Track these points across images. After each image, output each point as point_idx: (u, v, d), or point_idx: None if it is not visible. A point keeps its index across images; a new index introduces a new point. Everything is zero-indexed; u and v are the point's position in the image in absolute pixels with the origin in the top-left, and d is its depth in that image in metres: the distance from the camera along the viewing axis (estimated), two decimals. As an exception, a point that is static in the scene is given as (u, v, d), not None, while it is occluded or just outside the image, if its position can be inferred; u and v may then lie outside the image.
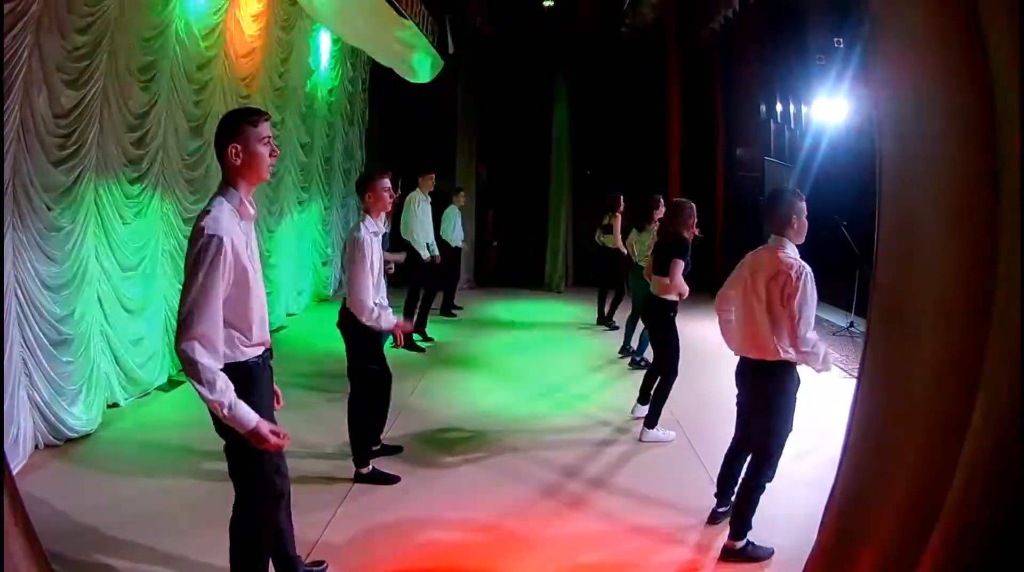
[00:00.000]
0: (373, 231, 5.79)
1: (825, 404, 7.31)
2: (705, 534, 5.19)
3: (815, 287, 4.61)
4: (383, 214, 5.98)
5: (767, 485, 4.88)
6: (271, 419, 3.54)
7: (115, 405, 7.20)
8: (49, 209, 6.20)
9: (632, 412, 7.65)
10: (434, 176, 11.08)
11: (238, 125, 3.48)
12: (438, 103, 16.68)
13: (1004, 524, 2.21)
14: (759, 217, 11.85)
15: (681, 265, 6.92)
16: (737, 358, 5.05)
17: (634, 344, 10.25)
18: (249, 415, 3.31)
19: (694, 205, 7.19)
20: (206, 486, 5.57)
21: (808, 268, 4.60)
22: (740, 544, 4.83)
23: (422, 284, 11.08)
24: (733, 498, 5.04)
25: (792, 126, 17.07)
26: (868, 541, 3.10)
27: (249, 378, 3.49)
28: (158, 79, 7.68)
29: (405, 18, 11.23)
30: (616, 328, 12.28)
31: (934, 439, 2.76)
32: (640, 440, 7.02)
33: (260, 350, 3.62)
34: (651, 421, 7.06)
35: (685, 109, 16.52)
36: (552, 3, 16.04)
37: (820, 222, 5.29)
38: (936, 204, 2.88)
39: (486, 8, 15.32)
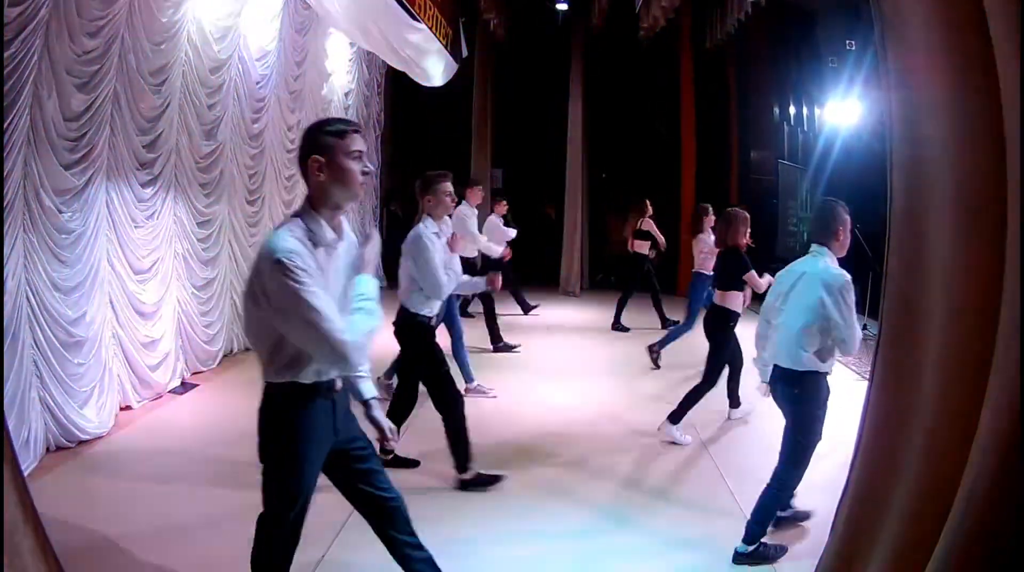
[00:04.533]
0: (434, 232, 5.79)
1: (838, 407, 7.28)
2: (719, 537, 5.16)
3: (854, 299, 4.64)
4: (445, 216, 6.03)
5: (792, 493, 4.88)
6: (317, 455, 3.33)
7: (128, 408, 7.21)
8: (60, 212, 6.21)
9: (728, 417, 7.71)
10: (481, 187, 11.04)
11: (320, 136, 3.18)
12: (453, 106, 16.74)
13: (1013, 524, 2.19)
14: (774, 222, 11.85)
15: (754, 275, 7.04)
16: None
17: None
18: None
19: (747, 214, 7.30)
20: (216, 491, 5.58)
21: (848, 278, 4.64)
22: (752, 548, 4.80)
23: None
24: (756, 503, 4.98)
25: (805, 128, 17.04)
26: (879, 542, 3.09)
27: (305, 399, 3.23)
28: (170, 82, 7.70)
29: (418, 21, 11.22)
30: (627, 330, 12.48)
31: (944, 440, 2.75)
32: (657, 430, 7.07)
33: (327, 376, 3.28)
34: (675, 417, 7.06)
35: (699, 112, 16.50)
36: (566, 6, 16.05)
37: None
38: (945, 206, 2.87)
39: (500, 11, 15.31)
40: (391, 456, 6.14)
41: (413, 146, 17.69)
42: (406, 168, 17.97)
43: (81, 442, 6.31)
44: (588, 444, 7.04)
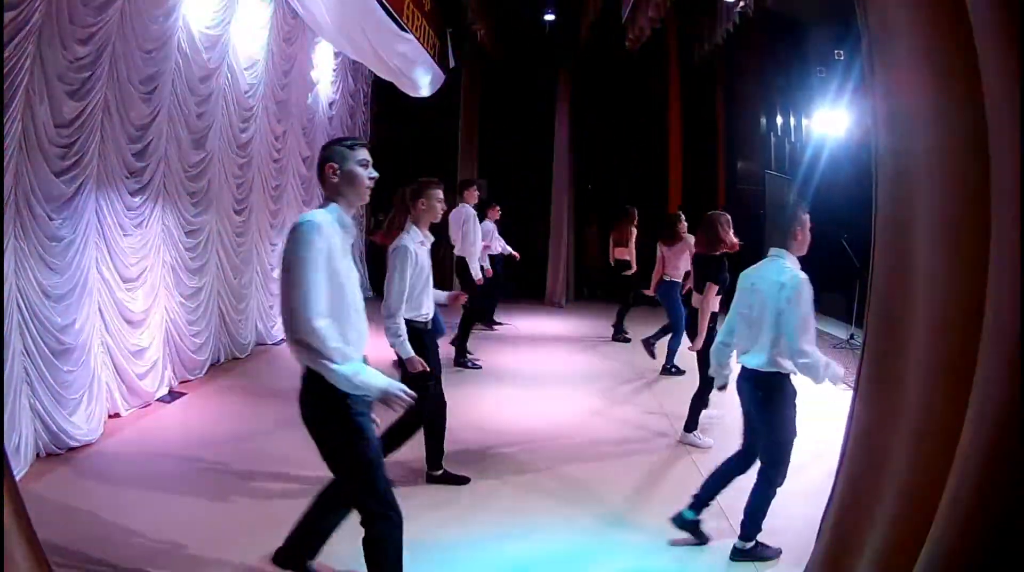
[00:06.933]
0: (419, 241, 5.81)
1: (824, 416, 7.33)
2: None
3: (812, 299, 4.65)
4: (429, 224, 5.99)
5: (778, 490, 4.91)
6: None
7: (116, 415, 7.19)
8: (51, 219, 6.21)
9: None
10: (476, 187, 11.42)
11: (334, 148, 3.69)
12: (439, 117, 16.72)
13: (995, 530, 2.22)
14: (761, 230, 11.93)
15: (715, 289, 7.28)
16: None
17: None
18: None
19: (728, 215, 7.50)
20: (203, 499, 5.58)
21: (805, 277, 4.65)
22: (749, 545, 4.85)
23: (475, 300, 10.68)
24: (747, 500, 5.01)
25: (793, 139, 17.10)
26: (864, 549, 3.11)
27: None
28: (160, 90, 7.70)
29: (406, 32, 11.26)
30: (629, 340, 12.45)
31: (928, 447, 2.78)
32: (679, 442, 7.27)
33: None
34: (689, 426, 7.26)
35: (686, 122, 16.56)
36: (553, 17, 16.09)
37: (821, 234, 5.35)
38: (930, 216, 2.90)
39: (487, 22, 15.33)
40: (441, 473, 6.21)
41: (398, 156, 17.71)
42: (391, 178, 17.95)
43: (70, 449, 6.29)
44: (568, 449, 7.12)
